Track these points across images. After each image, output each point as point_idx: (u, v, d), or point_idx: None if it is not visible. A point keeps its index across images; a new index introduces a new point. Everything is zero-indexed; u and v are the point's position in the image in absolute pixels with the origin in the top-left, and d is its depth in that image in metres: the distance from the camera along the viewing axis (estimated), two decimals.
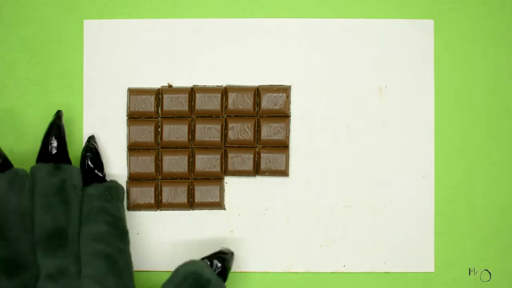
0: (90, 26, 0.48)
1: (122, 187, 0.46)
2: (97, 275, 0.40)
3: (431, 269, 0.48)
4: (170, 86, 0.48)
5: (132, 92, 0.48)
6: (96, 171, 0.45)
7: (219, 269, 0.42)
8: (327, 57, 0.49)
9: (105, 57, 0.48)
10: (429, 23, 0.48)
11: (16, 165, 0.48)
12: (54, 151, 0.43)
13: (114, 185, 0.45)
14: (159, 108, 0.48)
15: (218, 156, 0.48)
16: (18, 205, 0.41)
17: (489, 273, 0.48)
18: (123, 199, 0.46)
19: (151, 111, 0.48)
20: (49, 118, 0.48)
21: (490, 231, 0.48)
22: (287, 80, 0.48)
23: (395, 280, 0.48)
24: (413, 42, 0.49)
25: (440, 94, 0.48)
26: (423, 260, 0.48)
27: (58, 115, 0.45)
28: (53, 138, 0.44)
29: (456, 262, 0.48)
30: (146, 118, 0.48)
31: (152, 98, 0.48)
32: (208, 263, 0.43)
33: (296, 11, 0.49)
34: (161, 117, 0.48)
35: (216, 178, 0.48)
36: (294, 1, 0.49)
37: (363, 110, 0.48)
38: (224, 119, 0.48)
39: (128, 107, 0.48)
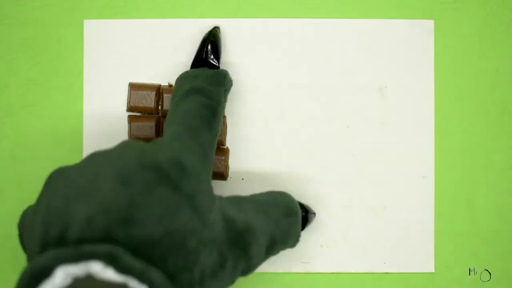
0: (90, 26, 0.48)
1: (231, 80, 0.45)
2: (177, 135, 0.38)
3: (431, 269, 0.48)
4: (170, 86, 0.48)
5: (133, 87, 0.48)
6: (211, 58, 0.45)
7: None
8: (327, 57, 0.49)
9: (105, 57, 0.48)
10: (429, 23, 0.48)
11: (16, 165, 0.48)
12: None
13: (224, 73, 0.44)
14: (159, 105, 0.48)
15: (223, 157, 0.48)
16: None
17: (489, 273, 0.48)
18: (228, 89, 0.44)
19: (151, 107, 0.48)
20: (49, 117, 0.48)
21: (490, 231, 0.48)
22: (287, 80, 0.48)
23: (395, 281, 0.48)
24: (413, 42, 0.49)
25: (440, 94, 0.49)
26: (423, 260, 0.48)
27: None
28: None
29: (456, 262, 0.48)
30: (146, 114, 0.48)
31: (152, 94, 0.48)
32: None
33: (295, 11, 0.49)
34: (162, 117, 0.48)
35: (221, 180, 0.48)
36: (294, 2, 0.49)
37: (363, 110, 0.48)
38: (225, 117, 0.48)
39: (129, 102, 0.48)
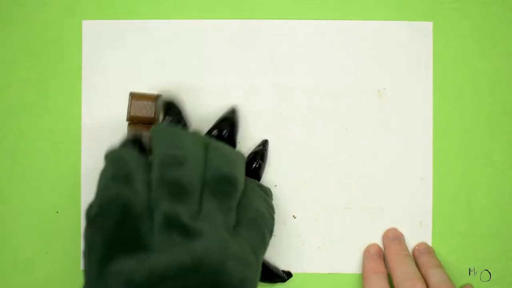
0: (89, 27, 0.48)
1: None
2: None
3: None
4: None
5: (134, 96, 0.48)
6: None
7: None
8: (326, 59, 0.48)
9: (104, 57, 0.48)
10: (428, 25, 0.48)
11: (16, 165, 0.48)
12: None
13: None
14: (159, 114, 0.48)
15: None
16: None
17: (489, 273, 0.48)
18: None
19: (151, 116, 0.47)
20: (49, 117, 0.48)
21: (490, 231, 0.48)
22: (286, 81, 0.48)
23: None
24: (412, 44, 0.48)
25: (439, 96, 0.48)
26: None
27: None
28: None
29: (456, 262, 0.48)
30: (145, 123, 0.48)
31: (153, 104, 0.47)
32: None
33: (294, 13, 0.49)
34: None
35: None
36: (293, 3, 0.49)
37: (362, 112, 0.48)
38: None
39: (129, 111, 0.48)
